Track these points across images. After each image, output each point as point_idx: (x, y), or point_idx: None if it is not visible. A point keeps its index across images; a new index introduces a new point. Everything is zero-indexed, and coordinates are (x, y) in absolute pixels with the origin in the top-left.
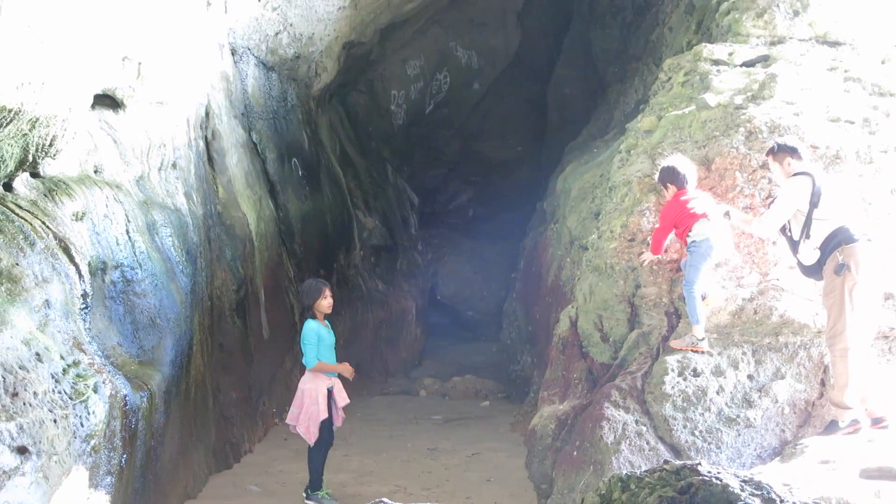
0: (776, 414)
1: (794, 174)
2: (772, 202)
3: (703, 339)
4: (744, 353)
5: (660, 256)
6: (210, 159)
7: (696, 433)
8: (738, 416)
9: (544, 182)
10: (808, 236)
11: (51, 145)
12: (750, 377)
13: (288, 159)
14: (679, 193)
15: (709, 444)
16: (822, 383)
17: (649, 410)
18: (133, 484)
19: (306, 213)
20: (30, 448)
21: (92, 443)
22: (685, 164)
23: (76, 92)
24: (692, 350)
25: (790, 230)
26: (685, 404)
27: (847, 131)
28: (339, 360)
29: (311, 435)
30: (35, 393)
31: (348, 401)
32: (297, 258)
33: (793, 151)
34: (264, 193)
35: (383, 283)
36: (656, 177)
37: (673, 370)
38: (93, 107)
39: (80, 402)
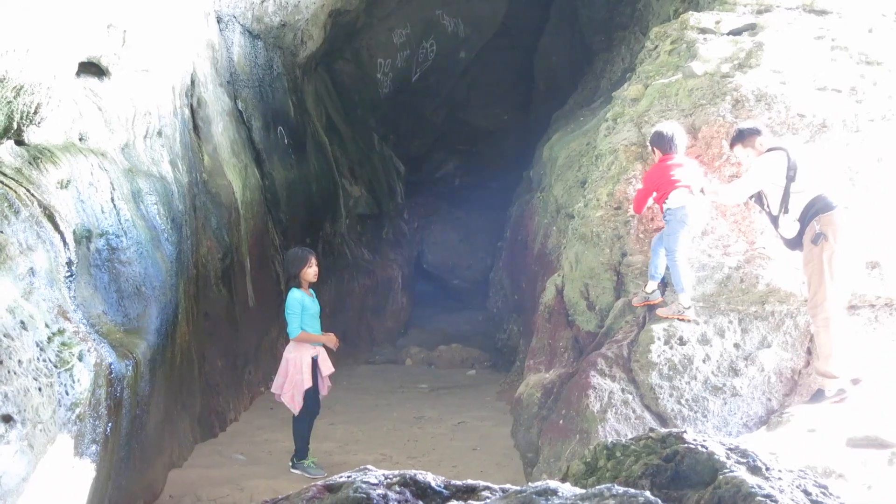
0: (762, 382)
1: (768, 150)
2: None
3: (689, 307)
4: (730, 322)
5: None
6: (195, 127)
7: (683, 402)
8: (724, 385)
9: (531, 151)
10: (786, 210)
11: (35, 113)
12: (736, 346)
13: (274, 127)
14: (664, 158)
15: (695, 412)
16: (809, 352)
17: (635, 379)
18: (118, 452)
19: (292, 181)
20: (14, 416)
21: (77, 411)
22: (674, 130)
23: (61, 59)
24: (678, 318)
25: (768, 205)
26: (671, 373)
27: (834, 100)
28: (325, 329)
29: (295, 404)
30: (20, 361)
31: (333, 370)
32: (283, 226)
33: (758, 132)
34: (250, 161)
35: (369, 251)
36: (648, 141)
37: (659, 339)
38: (78, 74)
39: (65, 370)
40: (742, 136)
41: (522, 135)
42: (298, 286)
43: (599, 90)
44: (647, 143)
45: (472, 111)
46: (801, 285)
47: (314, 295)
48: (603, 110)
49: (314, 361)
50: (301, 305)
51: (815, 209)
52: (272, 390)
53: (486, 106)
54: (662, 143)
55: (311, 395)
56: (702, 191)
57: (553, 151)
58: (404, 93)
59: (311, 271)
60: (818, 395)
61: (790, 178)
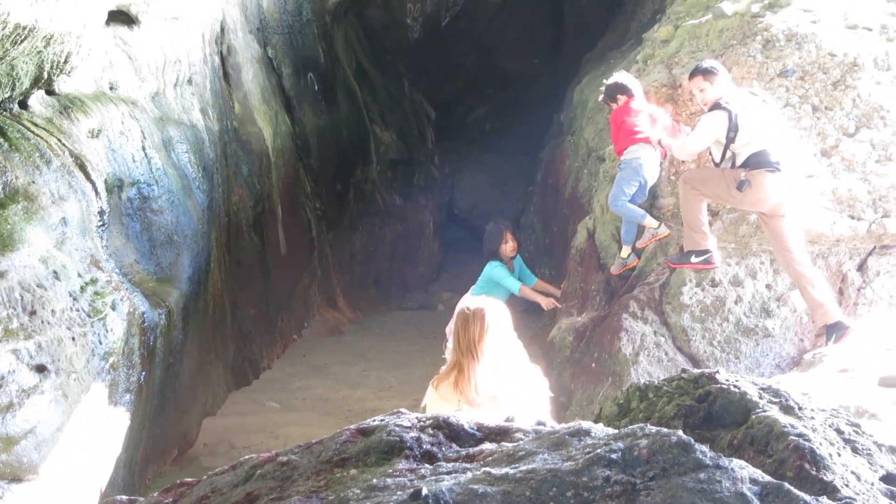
0: (794, 323)
1: (712, 109)
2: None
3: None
4: (762, 263)
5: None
6: (225, 75)
7: (715, 343)
8: (756, 326)
9: (561, 94)
10: (733, 165)
11: (65, 62)
12: (768, 287)
13: (304, 74)
14: (628, 101)
15: (727, 354)
16: (841, 292)
17: (667, 321)
18: (152, 401)
19: (322, 127)
20: (48, 366)
21: (111, 360)
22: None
23: (90, 8)
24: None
25: (711, 155)
26: (703, 315)
27: (864, 38)
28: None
29: None
30: (53, 311)
31: None
32: (314, 173)
33: (706, 73)
34: (280, 109)
35: (400, 197)
36: (601, 97)
37: (691, 280)
38: (107, 23)
39: (99, 319)
40: (692, 74)
41: (553, 78)
42: (500, 261)
43: (630, 32)
44: (603, 100)
45: (503, 55)
46: (832, 225)
47: (518, 269)
48: (633, 52)
49: None
50: (502, 273)
51: (750, 164)
52: None
53: (517, 50)
54: (626, 89)
55: None
56: (659, 142)
57: (583, 94)
58: (434, 38)
59: (507, 247)
60: (838, 329)
61: (730, 140)
